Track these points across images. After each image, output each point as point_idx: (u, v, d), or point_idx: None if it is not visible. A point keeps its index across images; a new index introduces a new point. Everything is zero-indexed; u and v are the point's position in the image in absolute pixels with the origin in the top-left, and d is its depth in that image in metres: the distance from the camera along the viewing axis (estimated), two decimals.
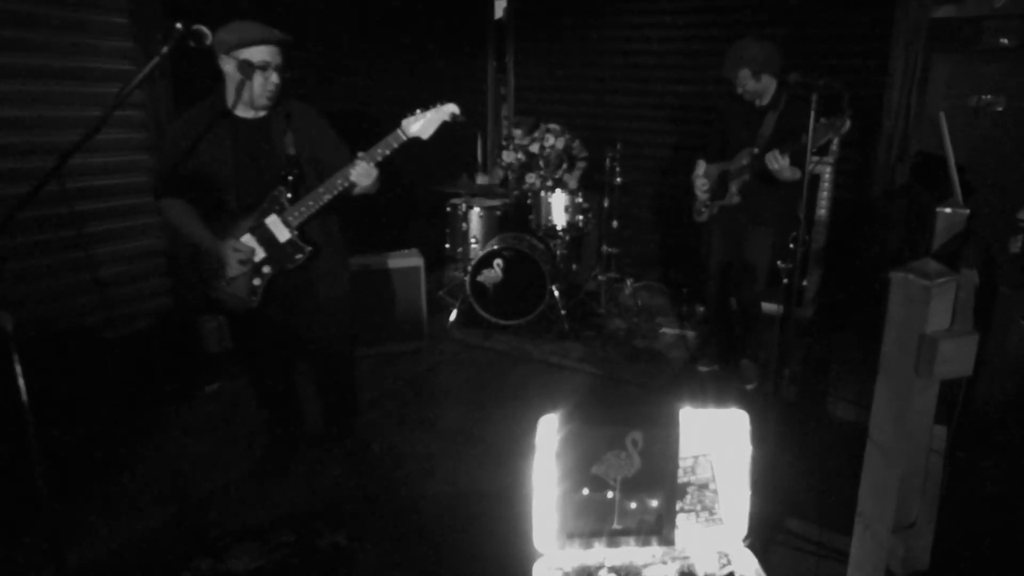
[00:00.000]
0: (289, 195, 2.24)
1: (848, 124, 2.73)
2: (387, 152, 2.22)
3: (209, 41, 1.73)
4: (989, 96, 3.91)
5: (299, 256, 2.28)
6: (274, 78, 2.15)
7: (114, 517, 2.36)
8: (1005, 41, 3.85)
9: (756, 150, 3.11)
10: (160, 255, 3.47)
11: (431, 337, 3.97)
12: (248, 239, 2.25)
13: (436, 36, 5.07)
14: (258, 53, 2.10)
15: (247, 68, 2.10)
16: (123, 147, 3.26)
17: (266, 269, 2.29)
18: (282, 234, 2.25)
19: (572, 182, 4.54)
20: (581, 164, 4.63)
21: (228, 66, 2.12)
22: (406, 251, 3.85)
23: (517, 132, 4.57)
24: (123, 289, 3.31)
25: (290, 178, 2.24)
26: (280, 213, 2.23)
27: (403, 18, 4.73)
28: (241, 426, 2.94)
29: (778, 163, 2.94)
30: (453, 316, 4.28)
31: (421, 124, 2.21)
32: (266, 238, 2.26)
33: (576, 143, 4.60)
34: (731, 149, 3.29)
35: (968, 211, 1.79)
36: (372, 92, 4.45)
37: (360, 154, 2.21)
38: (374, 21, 4.49)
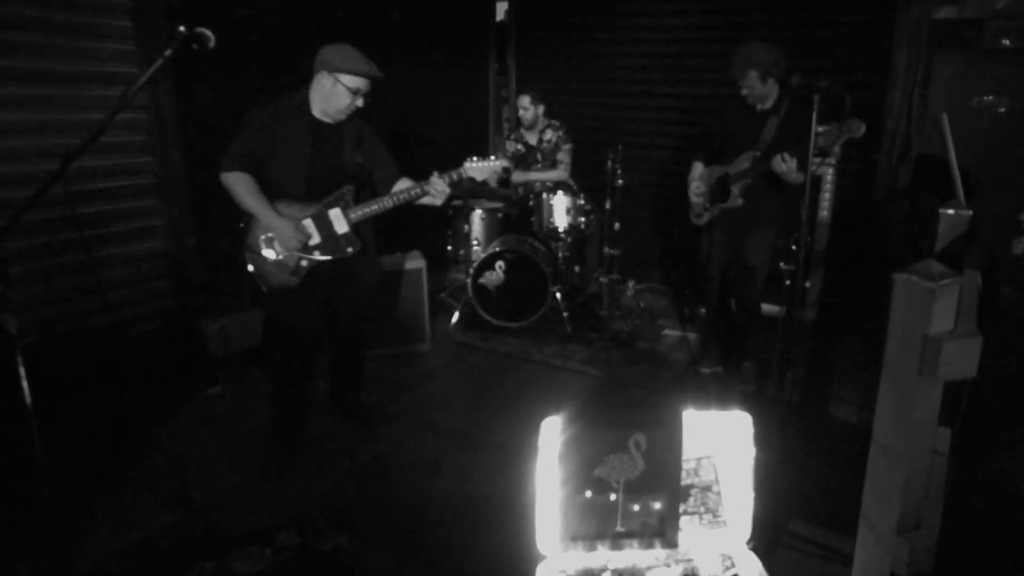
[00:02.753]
0: (352, 197, 2.57)
1: (864, 128, 2.73)
2: (453, 180, 2.59)
3: (212, 44, 1.74)
4: (991, 97, 3.91)
5: (351, 249, 2.58)
6: (360, 102, 2.49)
7: (117, 520, 2.35)
8: (1007, 42, 3.84)
9: (758, 153, 3.11)
10: (164, 257, 3.48)
11: (433, 339, 3.96)
12: (308, 223, 2.53)
13: (437, 38, 5.08)
14: (355, 81, 2.42)
15: (342, 90, 2.42)
16: (126, 150, 3.26)
17: (316, 254, 2.54)
18: (341, 227, 2.55)
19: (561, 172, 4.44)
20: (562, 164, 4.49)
21: (325, 80, 2.42)
22: (408, 253, 3.85)
23: (525, 99, 4.33)
24: (127, 291, 3.32)
25: (355, 182, 2.58)
26: (344, 208, 2.54)
27: (404, 20, 4.74)
28: (244, 428, 2.95)
29: (786, 165, 2.94)
30: (455, 318, 4.27)
31: (479, 170, 2.62)
32: (324, 226, 2.54)
33: (564, 150, 4.42)
34: (730, 152, 3.29)
35: (971, 212, 1.79)
36: (371, 94, 4.45)
37: (436, 174, 2.55)
38: (375, 22, 4.51)
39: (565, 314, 4.16)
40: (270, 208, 2.45)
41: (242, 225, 2.55)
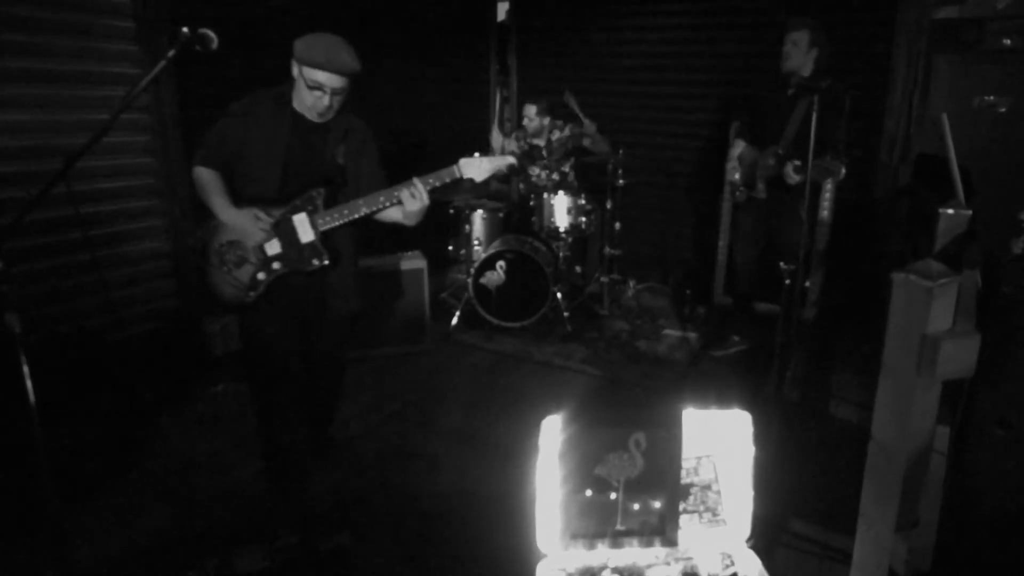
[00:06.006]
0: (323, 201, 2.22)
1: (843, 172, 2.92)
2: (437, 184, 2.22)
3: (215, 45, 1.74)
4: (991, 97, 3.91)
5: (316, 262, 2.21)
6: (326, 101, 2.14)
7: (120, 518, 2.37)
8: (1007, 42, 3.85)
9: (781, 151, 3.16)
10: (165, 257, 3.49)
11: (434, 339, 3.97)
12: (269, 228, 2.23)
13: (439, 38, 5.08)
14: (314, 74, 2.10)
15: (303, 84, 2.13)
16: (129, 150, 3.27)
17: (276, 266, 2.21)
18: (306, 234, 2.19)
19: (572, 177, 4.49)
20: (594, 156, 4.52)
21: (295, 71, 2.15)
22: (409, 253, 3.86)
23: (531, 109, 4.38)
24: (129, 291, 3.33)
25: (332, 185, 2.24)
26: (311, 213, 2.19)
27: (406, 20, 4.74)
28: (246, 427, 2.95)
29: (793, 179, 3.08)
30: (456, 318, 4.28)
31: (477, 168, 2.25)
32: (287, 234, 2.19)
33: (595, 135, 4.44)
34: (761, 135, 3.40)
35: (970, 212, 1.80)
36: (372, 94, 4.46)
37: (416, 179, 2.19)
38: (376, 22, 4.51)
39: (566, 314, 4.16)
40: (229, 204, 2.16)
41: (198, 234, 2.28)
